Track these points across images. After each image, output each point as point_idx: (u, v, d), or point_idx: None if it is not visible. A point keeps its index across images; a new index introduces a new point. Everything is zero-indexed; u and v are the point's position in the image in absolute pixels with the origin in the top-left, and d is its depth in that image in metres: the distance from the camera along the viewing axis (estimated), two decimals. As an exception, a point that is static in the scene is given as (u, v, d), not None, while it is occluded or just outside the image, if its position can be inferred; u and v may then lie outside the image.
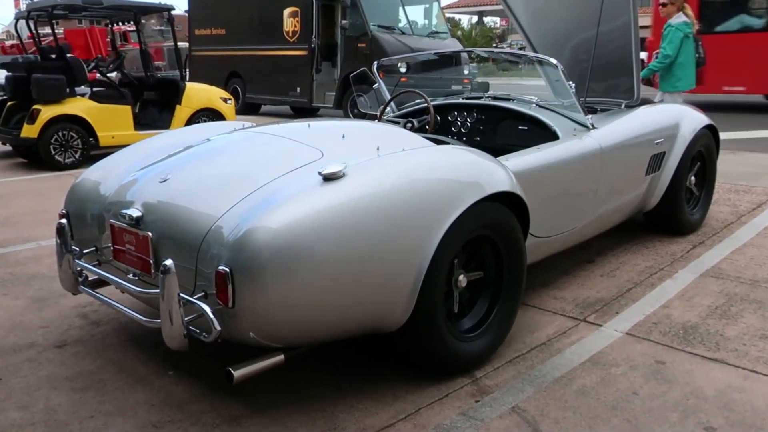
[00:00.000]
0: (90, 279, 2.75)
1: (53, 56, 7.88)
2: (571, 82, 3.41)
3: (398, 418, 2.30)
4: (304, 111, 13.91)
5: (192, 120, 8.45)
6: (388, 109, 4.18)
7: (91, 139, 7.62)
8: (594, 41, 3.91)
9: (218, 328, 2.07)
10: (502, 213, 2.63)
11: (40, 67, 7.54)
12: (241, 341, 2.19)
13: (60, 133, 7.36)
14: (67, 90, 7.46)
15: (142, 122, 8.25)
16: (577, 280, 3.65)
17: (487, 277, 2.69)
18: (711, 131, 4.41)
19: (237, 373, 2.13)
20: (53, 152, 7.34)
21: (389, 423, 2.28)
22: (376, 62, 4.21)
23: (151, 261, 2.37)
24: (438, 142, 2.86)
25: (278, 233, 2.07)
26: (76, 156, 7.50)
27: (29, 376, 2.63)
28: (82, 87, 8.04)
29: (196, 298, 2.16)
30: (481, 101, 3.90)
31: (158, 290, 2.20)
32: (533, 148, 3.14)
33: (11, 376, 2.63)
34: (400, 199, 2.29)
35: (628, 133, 3.69)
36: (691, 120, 4.22)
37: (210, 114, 8.65)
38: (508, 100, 3.88)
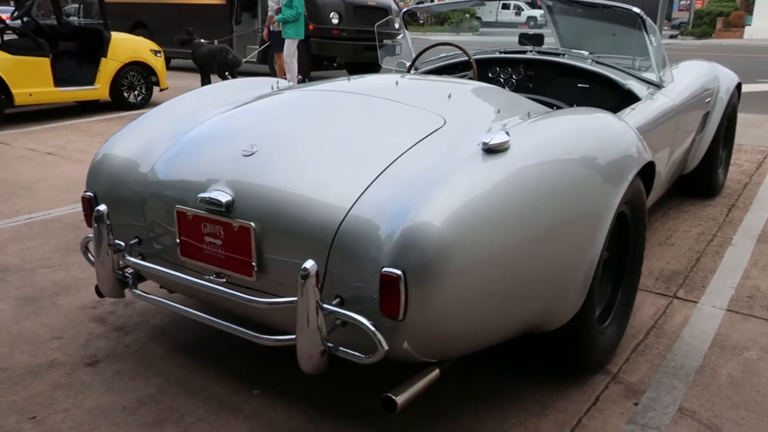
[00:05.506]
0: (131, 278, 2.15)
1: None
2: (653, 36, 3.08)
3: (563, 432, 1.95)
4: (222, 66, 12.91)
5: (119, 75, 7.48)
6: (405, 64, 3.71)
7: (3, 96, 6.53)
8: None
9: (386, 347, 1.61)
10: (640, 185, 2.29)
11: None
12: (390, 358, 1.73)
13: (-33, 90, 6.23)
14: (-27, 40, 6.32)
15: (60, 77, 7.16)
16: (637, 250, 3.40)
17: (611, 257, 2.36)
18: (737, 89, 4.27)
19: (400, 400, 1.68)
20: (-41, 113, 6.22)
21: (560, 441, 1.92)
22: (403, 10, 3.69)
23: (252, 261, 1.83)
24: (547, 105, 2.47)
25: (455, 224, 1.60)
26: (-13, 117, 6.41)
27: (72, 409, 2.02)
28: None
29: (334, 305, 1.68)
30: (527, 56, 3.51)
31: (279, 299, 1.72)
32: (627, 108, 2.81)
33: (47, 411, 2.01)
34: (572, 173, 1.89)
35: (691, 90, 3.43)
36: (726, 77, 4.04)
37: (139, 68, 7.72)
38: (557, 54, 3.51)
